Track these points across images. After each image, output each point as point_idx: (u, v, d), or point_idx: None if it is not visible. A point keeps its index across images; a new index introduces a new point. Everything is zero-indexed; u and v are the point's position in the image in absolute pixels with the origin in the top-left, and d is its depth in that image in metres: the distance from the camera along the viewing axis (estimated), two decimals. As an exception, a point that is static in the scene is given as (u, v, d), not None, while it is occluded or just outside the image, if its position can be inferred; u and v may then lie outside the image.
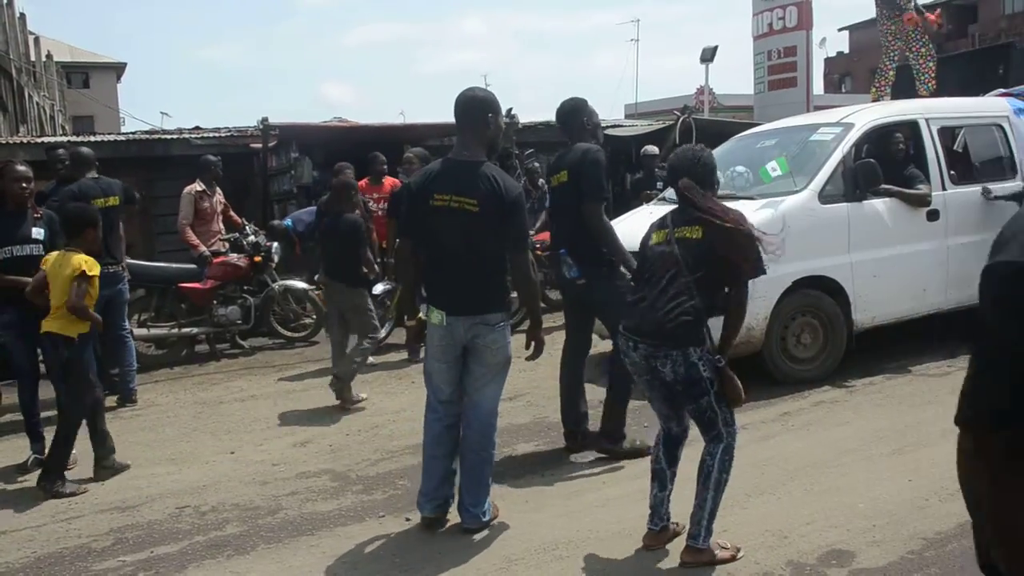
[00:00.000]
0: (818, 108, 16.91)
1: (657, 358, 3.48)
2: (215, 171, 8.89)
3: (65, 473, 5.03)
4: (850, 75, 49.81)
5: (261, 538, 4.16)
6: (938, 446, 4.81)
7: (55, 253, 5.14)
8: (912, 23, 9.36)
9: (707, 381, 3.44)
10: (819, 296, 6.21)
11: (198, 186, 8.71)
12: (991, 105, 7.89)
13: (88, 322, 5.03)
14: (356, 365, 6.56)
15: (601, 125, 5.20)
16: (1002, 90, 8.40)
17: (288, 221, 9.67)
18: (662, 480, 3.71)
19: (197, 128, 12.91)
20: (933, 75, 9.45)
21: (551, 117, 13.77)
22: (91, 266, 5.01)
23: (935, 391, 5.93)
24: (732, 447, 3.54)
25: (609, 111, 39.40)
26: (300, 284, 9.06)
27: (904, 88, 9.66)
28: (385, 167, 9.01)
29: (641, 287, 3.64)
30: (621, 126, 14.84)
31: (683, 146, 3.76)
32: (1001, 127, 7.53)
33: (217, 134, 12.33)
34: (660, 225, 3.63)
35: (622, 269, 4.69)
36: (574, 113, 4.95)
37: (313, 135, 11.39)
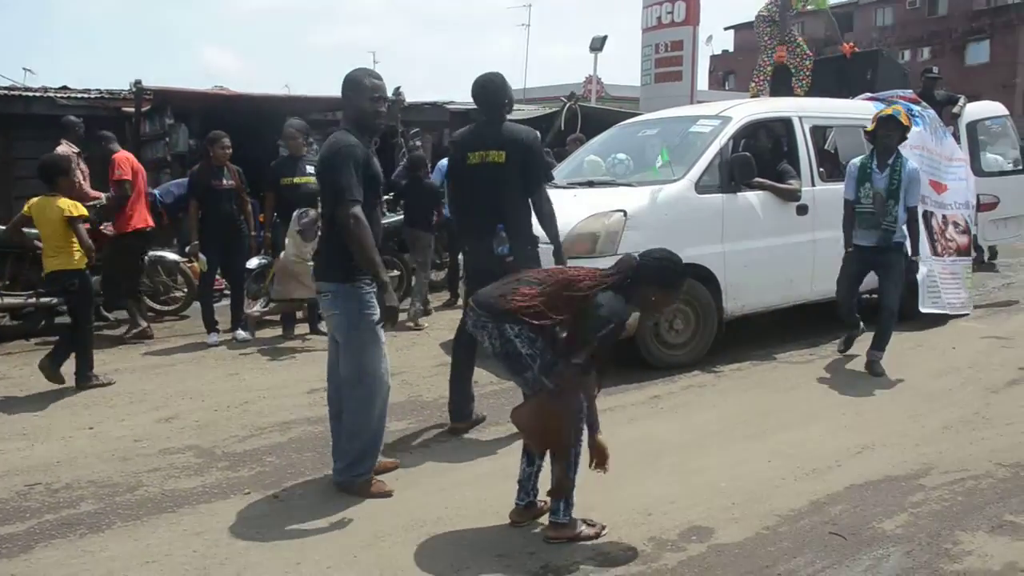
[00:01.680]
0: (701, 103, 17.39)
1: (477, 328, 3.57)
2: (77, 133, 8.43)
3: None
4: (734, 73, 51.42)
5: (118, 516, 4.00)
6: (798, 429, 5.06)
7: (36, 199, 6.07)
8: (780, 59, 9.91)
9: (527, 357, 3.48)
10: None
11: (71, 148, 8.25)
12: (859, 108, 8.29)
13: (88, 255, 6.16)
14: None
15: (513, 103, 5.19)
16: (869, 94, 8.84)
17: (156, 192, 9.29)
18: (531, 455, 3.76)
19: (64, 88, 12.24)
20: (809, 73, 9.88)
21: (440, 97, 13.48)
22: (75, 208, 6.03)
23: (798, 378, 6.22)
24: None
25: (499, 95, 39.56)
26: (172, 256, 8.73)
27: (783, 84, 10.05)
28: (110, 144, 8.08)
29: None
30: (509, 110, 14.91)
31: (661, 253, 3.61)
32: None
33: (86, 95, 11.72)
34: None
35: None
36: (500, 92, 4.89)
37: (190, 102, 10.97)
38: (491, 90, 4.87)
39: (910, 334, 7.33)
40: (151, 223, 7.94)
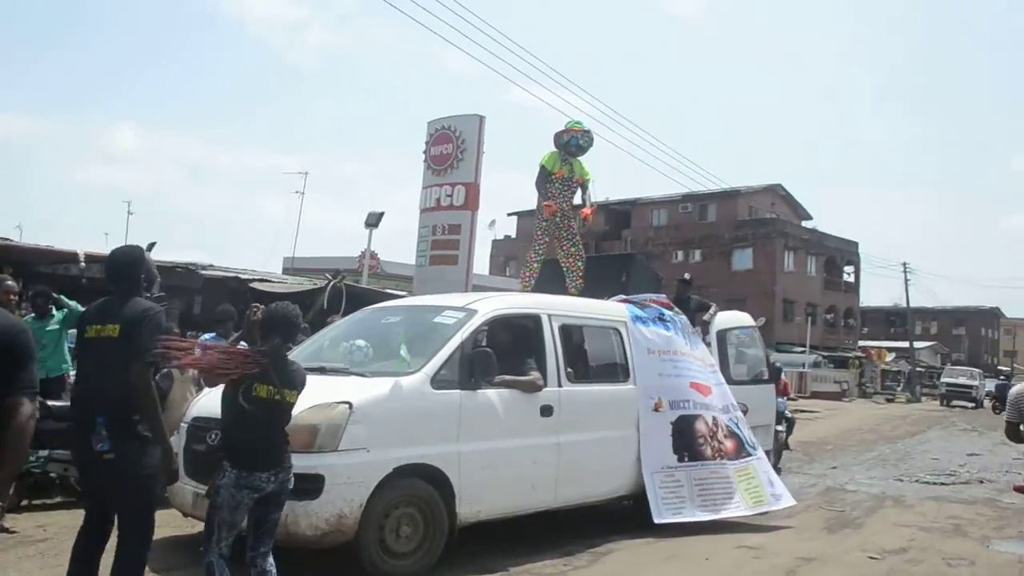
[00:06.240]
0: (477, 288, 17.87)
1: (271, 482, 4.66)
2: None
3: None
4: (515, 259, 53.97)
5: None
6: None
7: None
8: (550, 212, 10.14)
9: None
10: (420, 485, 6.17)
11: None
12: (612, 309, 8.69)
13: None
14: None
15: (158, 279, 5.04)
16: (623, 296, 9.33)
17: None
18: None
19: None
20: (581, 274, 10.27)
21: (198, 258, 12.90)
22: None
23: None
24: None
25: (264, 262, 39.17)
26: None
27: (549, 281, 10.31)
28: None
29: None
30: (270, 281, 14.60)
31: None
32: (619, 331, 8.30)
33: None
34: None
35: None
36: (133, 266, 4.68)
37: None
38: (119, 263, 4.71)
39: (665, 543, 7.42)
40: None
